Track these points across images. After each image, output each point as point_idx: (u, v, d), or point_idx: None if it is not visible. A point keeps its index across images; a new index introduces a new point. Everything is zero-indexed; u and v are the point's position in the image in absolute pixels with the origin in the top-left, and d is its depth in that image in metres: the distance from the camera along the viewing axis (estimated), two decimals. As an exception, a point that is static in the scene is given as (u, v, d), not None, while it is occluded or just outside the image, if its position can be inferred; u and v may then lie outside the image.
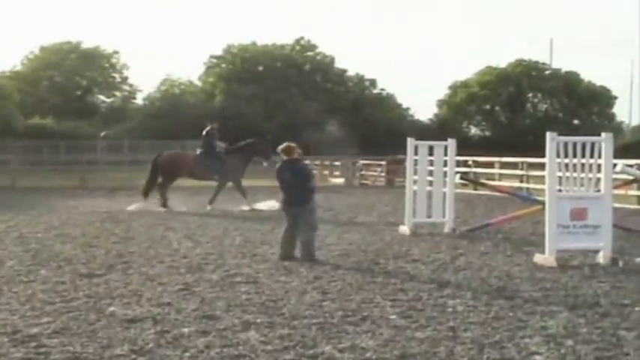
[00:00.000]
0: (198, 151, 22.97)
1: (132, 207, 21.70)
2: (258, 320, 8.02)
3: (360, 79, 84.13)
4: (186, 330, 7.63)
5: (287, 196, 12.77)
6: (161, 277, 10.71)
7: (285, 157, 12.87)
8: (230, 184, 22.61)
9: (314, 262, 11.93)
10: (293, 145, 13.00)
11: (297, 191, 12.59)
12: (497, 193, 20.37)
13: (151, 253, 13.07)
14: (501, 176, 32.08)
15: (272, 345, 7.07)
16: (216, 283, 10.25)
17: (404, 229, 16.47)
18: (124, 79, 79.55)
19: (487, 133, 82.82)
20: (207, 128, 23.04)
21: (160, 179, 22.48)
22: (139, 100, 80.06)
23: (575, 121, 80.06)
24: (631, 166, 18.83)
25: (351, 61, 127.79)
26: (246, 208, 21.62)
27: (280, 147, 13.01)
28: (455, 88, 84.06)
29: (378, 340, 7.20)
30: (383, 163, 40.09)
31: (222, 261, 12.18)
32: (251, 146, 23.18)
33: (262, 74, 77.44)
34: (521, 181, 29.73)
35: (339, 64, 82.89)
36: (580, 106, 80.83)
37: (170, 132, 59.12)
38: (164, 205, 21.70)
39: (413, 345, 6.99)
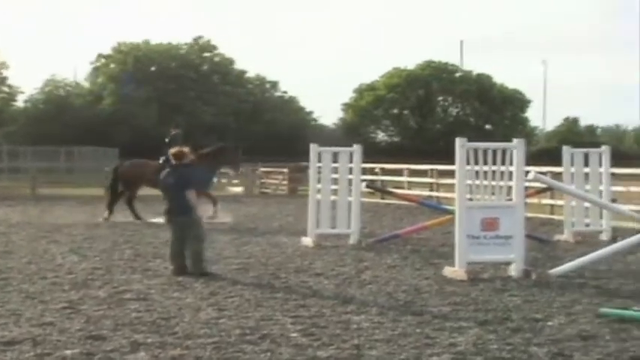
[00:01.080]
0: (161, 160, 21.55)
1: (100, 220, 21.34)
2: (149, 340, 7.93)
3: (261, 81, 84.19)
4: (69, 352, 7.50)
5: (172, 205, 12.65)
6: (43, 294, 10.51)
7: (174, 162, 12.79)
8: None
9: (210, 277, 11.85)
10: (186, 149, 12.94)
11: (183, 200, 12.46)
12: (405, 202, 20.57)
13: (31, 268, 12.83)
14: (410, 184, 32.42)
15: (163, 367, 6.99)
16: (103, 300, 10.11)
17: (307, 241, 16.50)
18: (3, 80, 77.92)
19: (395, 139, 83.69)
20: (172, 133, 22.40)
21: (121, 191, 22.20)
22: (20, 102, 78.51)
23: (488, 126, 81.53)
24: (544, 173, 19.25)
25: (251, 63, 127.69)
26: (225, 219, 21.34)
27: (171, 150, 12.95)
28: (361, 91, 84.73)
29: (277, 359, 7.19)
30: (285, 170, 40.11)
31: (110, 276, 12.03)
32: (220, 153, 22.71)
33: (156, 75, 76.82)
34: (431, 190, 30.10)
35: (239, 65, 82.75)
36: (492, 110, 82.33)
37: (55, 137, 58.18)
38: (137, 217, 21.37)
39: (315, 365, 7.00)
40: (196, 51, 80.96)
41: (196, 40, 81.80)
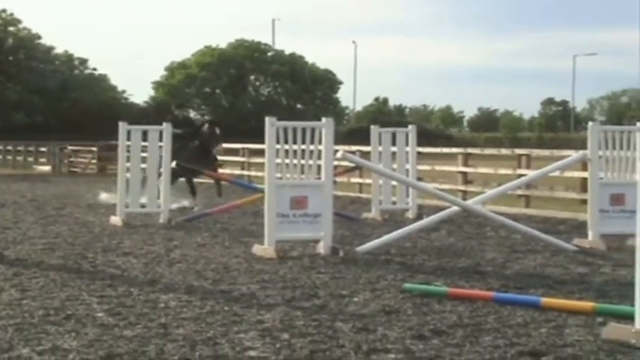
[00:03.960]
0: None
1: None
2: (-53, 324, 7.65)
3: (70, 57, 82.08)
4: None
5: None
6: None
7: None
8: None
9: (14, 258, 11.55)
10: None
11: None
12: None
13: None
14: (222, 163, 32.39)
15: (-38, 351, 6.77)
16: None
17: (116, 220, 16.31)
18: None
19: (207, 117, 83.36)
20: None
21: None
22: None
23: (300, 106, 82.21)
24: (353, 152, 19.63)
25: (59, 39, 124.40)
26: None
27: None
28: (172, 69, 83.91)
29: (82, 340, 7.08)
30: (94, 149, 39.42)
31: None
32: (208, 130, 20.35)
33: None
34: (243, 169, 30.22)
35: (46, 41, 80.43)
36: (304, 90, 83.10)
37: None
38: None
39: (120, 344, 6.93)
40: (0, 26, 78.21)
41: (-1, 13, 79.00)
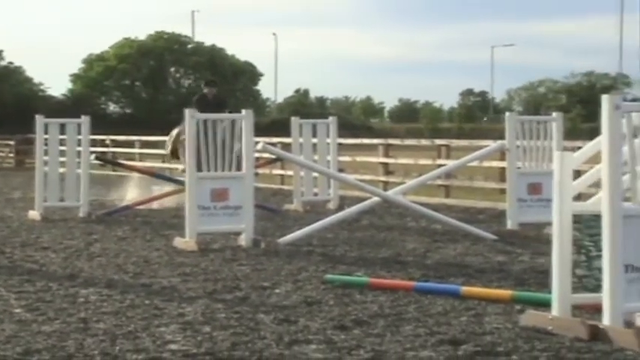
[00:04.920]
0: None
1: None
2: None
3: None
4: None
5: None
6: None
7: None
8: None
9: None
10: None
11: None
12: (138, 174, 20.44)
13: None
14: (142, 156, 32.19)
15: None
16: None
17: (34, 215, 16.09)
18: None
19: (127, 110, 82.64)
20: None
21: None
22: None
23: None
24: (274, 144, 19.61)
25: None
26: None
27: None
28: (90, 61, 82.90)
29: None
30: (11, 142, 38.82)
31: None
32: None
33: None
34: (164, 161, 29.99)
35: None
36: (225, 82, 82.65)
37: None
38: None
39: (39, 340, 6.83)
40: None
41: None
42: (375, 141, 24.10)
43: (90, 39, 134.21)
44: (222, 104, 17.38)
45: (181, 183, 15.62)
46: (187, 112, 12.52)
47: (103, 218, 15.88)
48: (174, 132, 19.00)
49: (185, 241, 12.22)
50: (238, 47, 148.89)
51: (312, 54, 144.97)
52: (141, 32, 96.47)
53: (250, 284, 9.38)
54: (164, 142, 30.35)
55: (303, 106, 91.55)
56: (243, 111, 12.85)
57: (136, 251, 11.91)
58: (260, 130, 19.02)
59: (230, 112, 16.30)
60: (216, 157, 12.53)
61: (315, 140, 18.44)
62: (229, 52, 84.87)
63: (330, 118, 19.07)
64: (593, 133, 6.97)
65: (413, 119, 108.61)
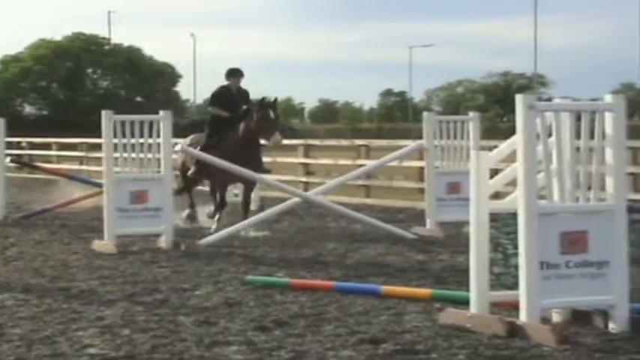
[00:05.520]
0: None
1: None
2: None
3: None
4: None
5: None
6: None
7: None
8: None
9: None
10: None
11: None
12: (55, 177, 20.16)
13: None
14: (60, 158, 31.78)
15: None
16: None
17: (-53, 219, 15.79)
18: None
19: (45, 112, 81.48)
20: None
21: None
22: None
23: (140, 99, 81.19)
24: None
25: None
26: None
27: None
28: (5, 62, 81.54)
29: None
30: None
31: None
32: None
33: None
34: (81, 164, 29.68)
35: None
36: (144, 83, 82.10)
37: None
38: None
39: (-47, 347, 6.71)
40: None
41: None
42: (295, 142, 24.08)
43: (4, 40, 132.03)
44: (246, 99, 14.66)
45: (100, 185, 15.45)
46: (104, 114, 12.43)
47: (19, 221, 15.66)
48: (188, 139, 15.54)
49: (104, 244, 12.11)
50: (157, 48, 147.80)
51: (231, 54, 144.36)
52: (57, 33, 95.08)
53: (170, 286, 9.32)
54: (82, 144, 30.11)
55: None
56: (161, 112, 12.76)
57: (54, 255, 11.76)
58: (180, 131, 18.93)
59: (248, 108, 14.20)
60: (134, 159, 12.44)
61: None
62: (148, 53, 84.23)
63: (249, 119, 18.97)
64: (511, 132, 7.06)
65: (333, 119, 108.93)
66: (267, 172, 14.95)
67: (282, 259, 11.35)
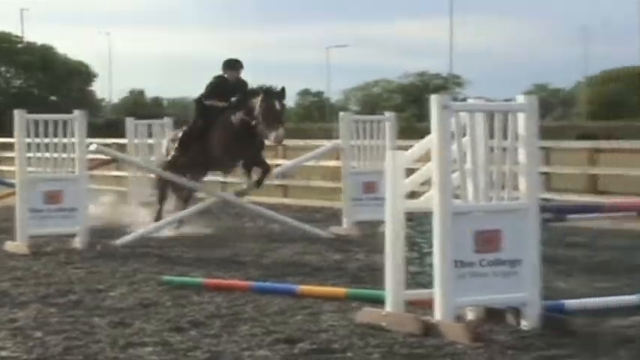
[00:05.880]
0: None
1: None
2: None
3: None
4: None
5: None
6: None
7: None
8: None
9: None
10: None
11: None
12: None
13: None
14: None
15: None
16: None
17: None
18: None
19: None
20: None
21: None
22: None
23: (53, 98, 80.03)
24: (109, 145, 19.30)
25: None
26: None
27: None
28: None
29: None
30: None
31: None
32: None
33: None
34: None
35: None
36: (58, 82, 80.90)
37: None
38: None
39: None
40: None
41: None
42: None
43: None
44: (244, 89, 13.19)
45: (12, 185, 15.21)
46: (16, 113, 12.25)
47: None
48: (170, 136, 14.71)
49: (16, 245, 11.94)
50: (71, 47, 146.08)
51: (147, 53, 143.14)
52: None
53: (85, 287, 9.22)
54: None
55: (139, 106, 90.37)
56: (75, 111, 12.61)
57: (-36, 257, 11.54)
58: (95, 130, 18.74)
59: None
60: (47, 158, 12.29)
61: (151, 141, 18.22)
62: (62, 51, 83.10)
63: (165, 119, 18.86)
64: (428, 132, 7.13)
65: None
66: (268, 169, 13.33)
67: (198, 259, 11.31)
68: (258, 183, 13.13)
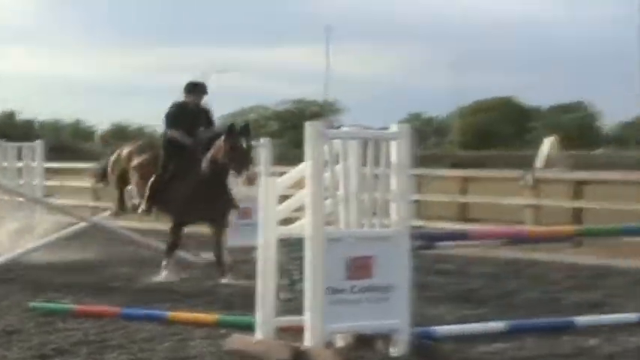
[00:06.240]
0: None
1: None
2: None
3: None
4: None
5: None
6: None
7: None
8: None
9: None
10: None
11: None
12: None
13: None
14: None
15: None
16: None
17: None
18: None
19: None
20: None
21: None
22: None
23: None
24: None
25: None
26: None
27: None
28: None
29: None
30: None
31: None
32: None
33: None
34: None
35: None
36: None
37: None
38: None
39: None
40: None
41: None
42: (83, 165, 23.50)
43: None
44: (207, 118, 12.32)
45: None
46: None
47: None
48: (124, 151, 13.20)
49: None
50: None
51: (19, 73, 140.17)
52: None
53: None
54: None
55: (9, 128, 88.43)
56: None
57: None
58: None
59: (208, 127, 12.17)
60: None
61: (20, 164, 17.80)
62: None
63: (37, 142, 18.46)
64: (304, 158, 7.14)
65: (126, 142, 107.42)
66: (236, 208, 12.61)
67: (67, 285, 11.06)
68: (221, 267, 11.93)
